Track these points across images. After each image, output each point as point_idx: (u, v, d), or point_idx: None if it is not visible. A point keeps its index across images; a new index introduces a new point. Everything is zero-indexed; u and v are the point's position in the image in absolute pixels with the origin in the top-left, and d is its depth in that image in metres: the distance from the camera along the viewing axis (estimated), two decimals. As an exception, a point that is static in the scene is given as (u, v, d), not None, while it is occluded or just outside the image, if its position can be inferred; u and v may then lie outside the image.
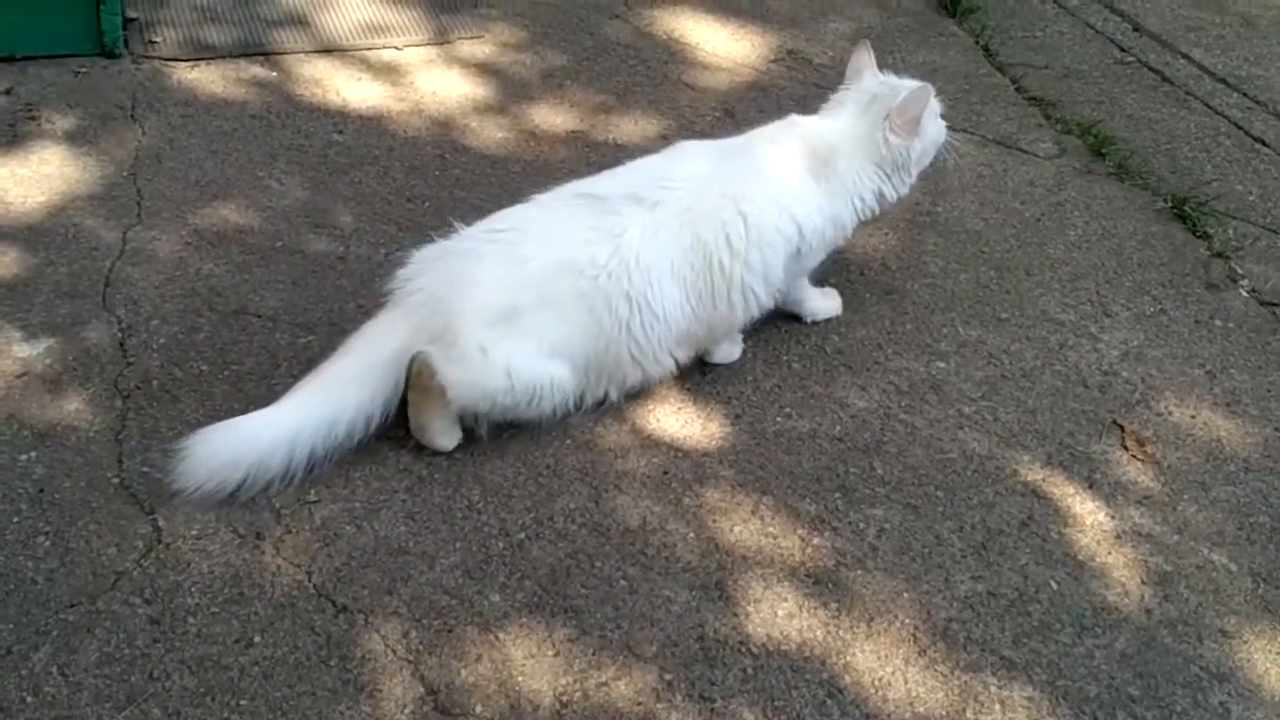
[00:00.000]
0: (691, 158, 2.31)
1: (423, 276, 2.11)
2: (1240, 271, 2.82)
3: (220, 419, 2.01)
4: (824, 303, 2.53)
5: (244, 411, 2.02)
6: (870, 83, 2.40)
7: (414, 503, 2.03)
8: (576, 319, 2.10)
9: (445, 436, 2.12)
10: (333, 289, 2.44)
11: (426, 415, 2.09)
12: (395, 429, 2.11)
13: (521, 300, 2.06)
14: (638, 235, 2.13)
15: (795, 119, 2.40)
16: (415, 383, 2.05)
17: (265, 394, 2.15)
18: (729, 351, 2.39)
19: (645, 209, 2.16)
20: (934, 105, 2.37)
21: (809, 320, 2.51)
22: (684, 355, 2.27)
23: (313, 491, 2.02)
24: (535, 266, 2.08)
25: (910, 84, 2.35)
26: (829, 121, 2.37)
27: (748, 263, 2.20)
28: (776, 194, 2.25)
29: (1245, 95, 3.57)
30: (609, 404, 2.24)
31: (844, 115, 2.37)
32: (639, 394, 2.27)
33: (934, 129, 2.40)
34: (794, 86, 3.30)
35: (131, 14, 3.18)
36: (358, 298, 2.42)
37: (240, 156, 2.78)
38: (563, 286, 2.09)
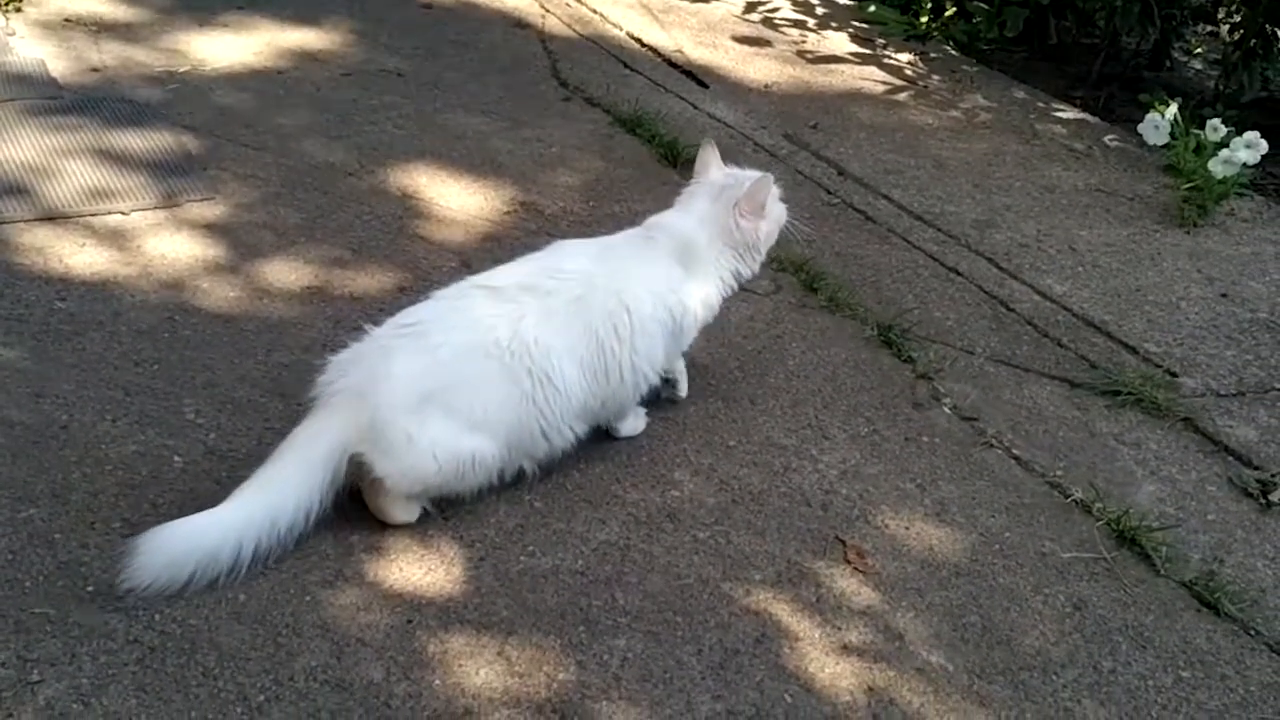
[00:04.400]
0: (574, 253, 2.57)
1: (343, 377, 2.28)
2: (942, 391, 3.07)
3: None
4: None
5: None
6: (717, 175, 2.69)
7: (145, 674, 1.96)
8: (487, 395, 2.31)
9: (404, 513, 2.34)
10: (55, 459, 2.36)
11: (380, 500, 2.31)
12: (130, 594, 2.06)
13: (436, 385, 2.26)
14: (534, 319, 2.36)
15: (653, 219, 2.68)
16: (360, 478, 2.26)
17: (-19, 573, 2.07)
18: (634, 425, 2.70)
19: (538, 297, 2.39)
20: (775, 191, 2.65)
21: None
22: (582, 429, 2.50)
23: (35, 671, 1.93)
24: (445, 353, 2.29)
25: (753, 174, 2.65)
26: (685, 214, 2.66)
27: (634, 347, 2.47)
28: (652, 285, 2.52)
29: (940, 230, 3.92)
30: (527, 479, 2.46)
31: (697, 206, 2.65)
32: (380, 545, 2.29)
33: (777, 211, 2.71)
34: (527, 236, 3.43)
35: None
36: (82, 466, 2.35)
37: (-47, 329, 2.69)
38: (472, 367, 2.30)
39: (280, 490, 2.18)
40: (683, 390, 2.83)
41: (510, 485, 2.46)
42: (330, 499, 2.22)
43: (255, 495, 2.17)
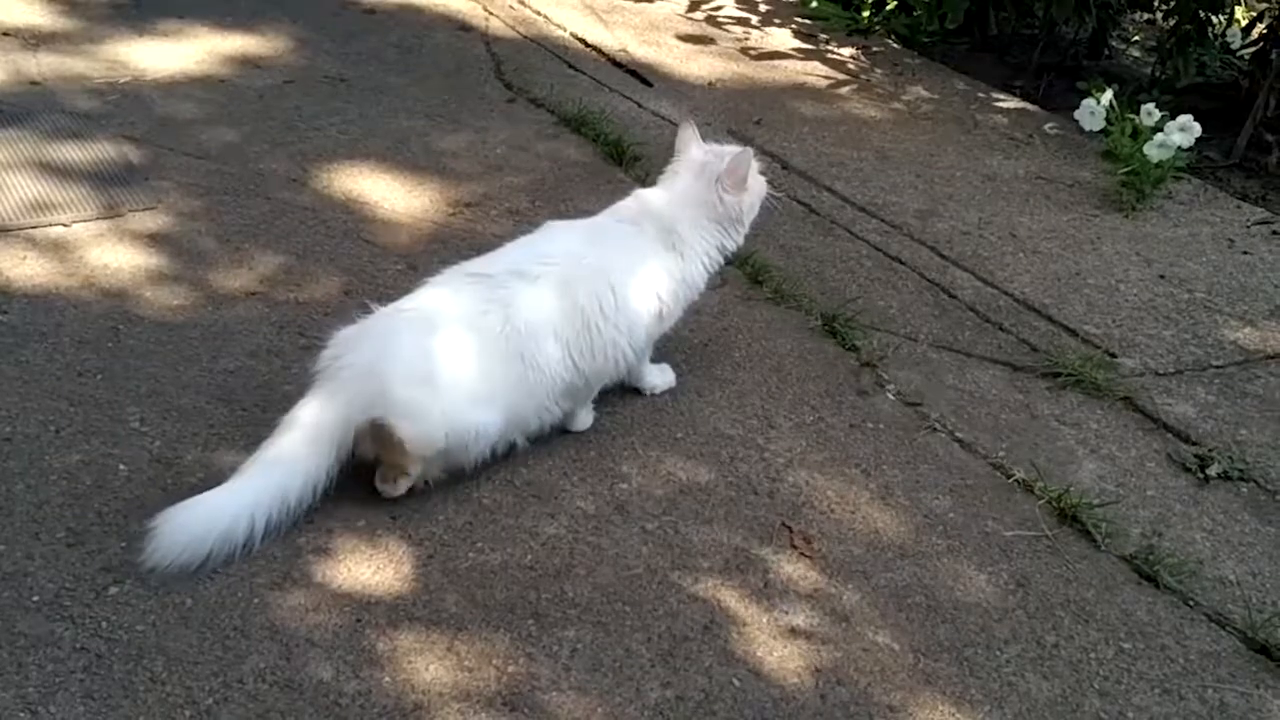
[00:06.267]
0: (562, 236, 2.66)
1: (348, 353, 2.35)
2: (886, 377, 3.11)
3: None
4: (661, 378, 2.91)
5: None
6: (698, 153, 2.77)
7: (92, 681, 1.96)
8: (484, 376, 2.39)
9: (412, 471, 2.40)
10: (-2, 471, 2.36)
11: (398, 458, 2.35)
12: (76, 603, 2.05)
13: (438, 363, 2.35)
14: (524, 304, 2.45)
15: (640, 193, 2.78)
16: (379, 442, 2.32)
17: (-77, 587, 2.06)
18: (584, 420, 2.72)
19: (528, 282, 2.49)
20: (754, 165, 2.75)
21: (648, 394, 2.88)
22: (568, 405, 2.61)
23: (-20, 683, 1.93)
24: (444, 335, 2.38)
25: (733, 149, 2.76)
26: (668, 192, 2.75)
27: (617, 325, 2.56)
28: (637, 265, 2.62)
29: (883, 221, 3.97)
30: (518, 450, 2.55)
31: (680, 183, 2.75)
32: (327, 547, 2.30)
33: (757, 185, 2.81)
34: (473, 237, 3.44)
35: None
36: (26, 477, 2.34)
37: (-108, 344, 2.67)
38: (469, 350, 2.39)
39: (289, 464, 2.24)
40: (659, 386, 2.91)
41: (457, 482, 2.47)
42: (337, 472, 2.29)
43: (266, 470, 2.23)
